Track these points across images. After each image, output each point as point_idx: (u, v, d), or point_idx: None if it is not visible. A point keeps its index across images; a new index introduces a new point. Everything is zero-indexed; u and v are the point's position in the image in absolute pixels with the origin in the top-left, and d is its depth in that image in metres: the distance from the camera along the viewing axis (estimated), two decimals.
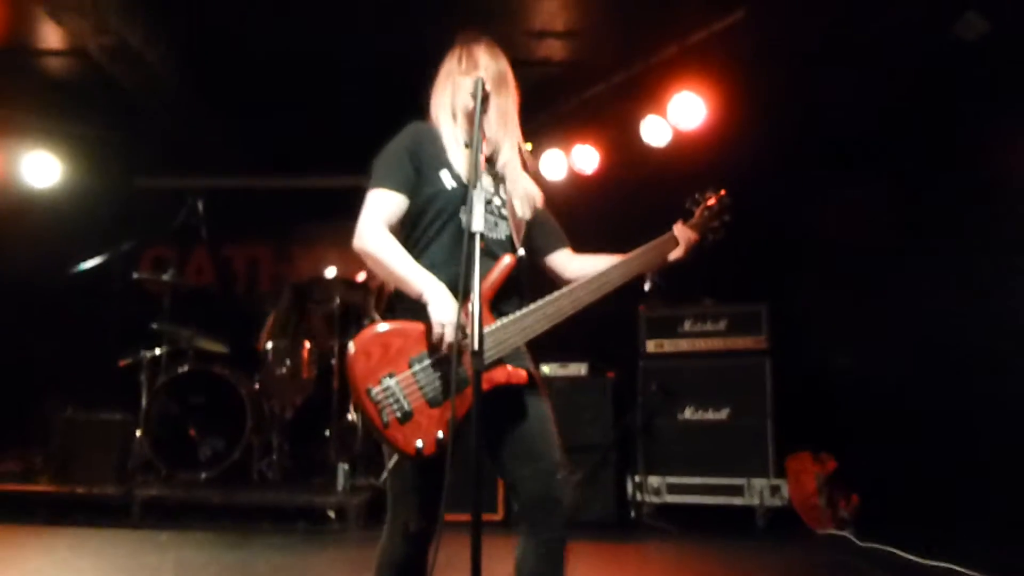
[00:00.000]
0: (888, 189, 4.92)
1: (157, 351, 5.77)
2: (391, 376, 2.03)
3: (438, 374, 2.06)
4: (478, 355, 1.87)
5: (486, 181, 2.23)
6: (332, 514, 5.07)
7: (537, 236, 2.38)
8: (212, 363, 5.73)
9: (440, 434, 2.02)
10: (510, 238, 2.30)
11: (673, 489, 5.25)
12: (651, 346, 5.46)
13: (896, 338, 4.86)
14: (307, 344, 5.82)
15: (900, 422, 4.74)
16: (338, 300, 5.83)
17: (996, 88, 4.27)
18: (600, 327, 5.94)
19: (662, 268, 2.49)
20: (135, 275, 6.00)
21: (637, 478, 5.31)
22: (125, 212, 6.97)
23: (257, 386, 5.75)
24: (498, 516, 5.30)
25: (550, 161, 6.27)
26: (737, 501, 5.13)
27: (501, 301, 2.16)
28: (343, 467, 5.35)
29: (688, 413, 5.30)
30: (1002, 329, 4.29)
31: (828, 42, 4.88)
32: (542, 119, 6.47)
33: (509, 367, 2.12)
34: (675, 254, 2.46)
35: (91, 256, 5.79)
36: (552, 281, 2.45)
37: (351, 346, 2.06)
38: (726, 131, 5.43)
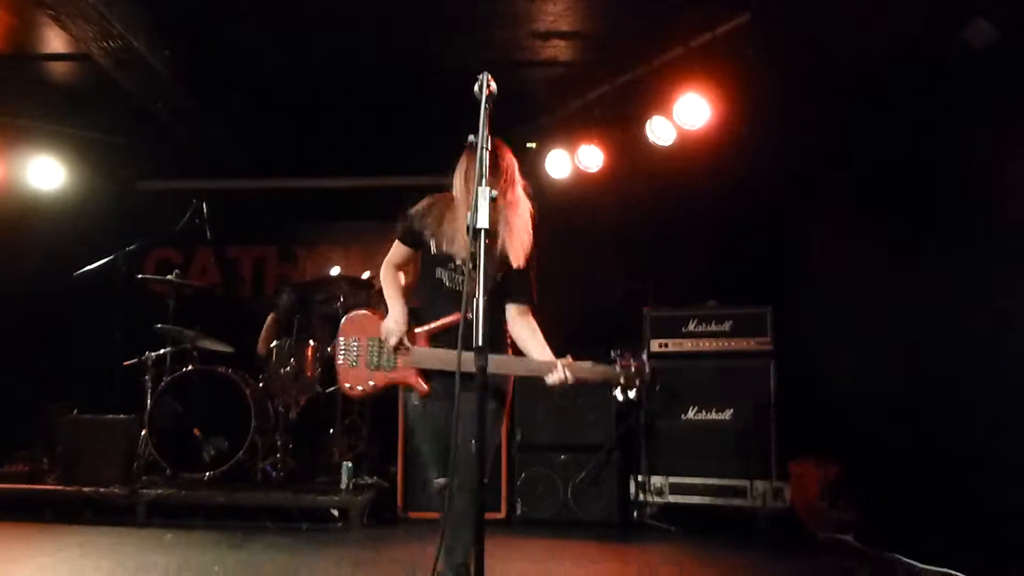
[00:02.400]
0: (895, 190, 4.90)
1: (162, 351, 5.80)
2: (355, 340, 3.12)
3: (377, 352, 3.06)
4: (481, 350, 2.12)
5: (460, 250, 2.89)
6: (336, 513, 5.08)
7: (503, 287, 2.97)
8: (216, 363, 5.75)
9: (360, 388, 3.08)
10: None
11: (676, 489, 5.25)
12: (655, 346, 5.46)
13: (901, 341, 4.83)
14: (311, 343, 5.83)
15: (903, 425, 4.72)
16: (342, 299, 5.85)
17: (1000, 94, 4.24)
18: (605, 326, 5.99)
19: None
20: (140, 276, 6.05)
21: (640, 478, 5.31)
22: (130, 215, 7.00)
23: (261, 385, 5.77)
24: (501, 514, 5.32)
25: (555, 161, 6.28)
26: (739, 502, 5.13)
27: (439, 339, 2.97)
28: (347, 466, 5.37)
29: (692, 413, 5.30)
30: (1007, 332, 4.26)
31: (832, 45, 4.87)
32: (547, 119, 6.48)
33: (414, 375, 2.98)
34: (548, 380, 2.87)
35: (96, 259, 5.81)
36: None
37: (351, 313, 3.22)
38: (731, 132, 5.43)
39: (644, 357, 3.21)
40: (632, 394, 2.99)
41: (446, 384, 2.85)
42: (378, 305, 3.26)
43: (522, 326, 3.03)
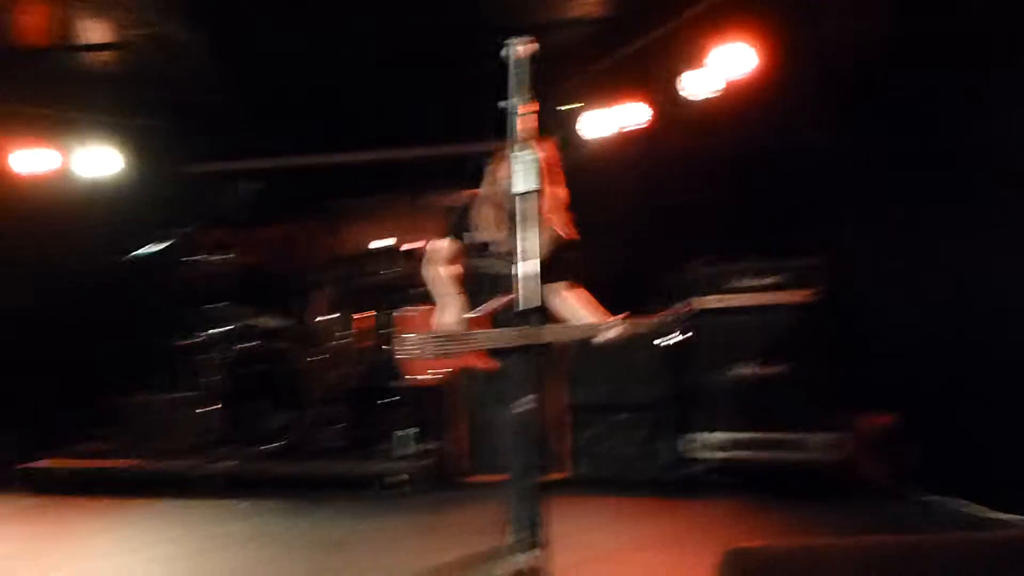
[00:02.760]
0: (953, 135, 4.71)
1: (220, 330, 5.96)
2: (416, 335, 3.31)
3: (435, 344, 3.27)
4: (527, 313, 2.33)
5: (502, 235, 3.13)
6: (400, 480, 5.20)
7: (548, 266, 2.99)
8: (272, 339, 5.89)
9: (427, 377, 3.31)
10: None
11: (732, 445, 5.24)
12: (703, 302, 5.40)
13: (959, 287, 4.71)
14: (362, 314, 5.95)
15: (962, 372, 4.62)
16: (388, 270, 5.94)
17: None
18: (652, 284, 5.95)
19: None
20: (192, 258, 6.20)
21: (696, 435, 5.31)
22: (179, 198, 7.13)
23: (318, 357, 5.89)
24: (563, 475, 5.35)
25: (590, 120, 6.21)
26: (796, 456, 5.09)
27: (498, 320, 3.19)
28: (409, 432, 5.47)
29: (745, 368, 5.26)
30: None
31: None
32: (580, 79, 6.40)
33: (480, 357, 3.20)
34: (603, 338, 3.11)
35: (148, 242, 5.98)
36: None
37: (405, 310, 3.50)
38: (776, 79, 5.26)
39: (680, 304, 3.76)
40: (676, 338, 3.31)
41: (507, 358, 3.02)
42: (420, 280, 3.45)
43: (571, 300, 3.24)
